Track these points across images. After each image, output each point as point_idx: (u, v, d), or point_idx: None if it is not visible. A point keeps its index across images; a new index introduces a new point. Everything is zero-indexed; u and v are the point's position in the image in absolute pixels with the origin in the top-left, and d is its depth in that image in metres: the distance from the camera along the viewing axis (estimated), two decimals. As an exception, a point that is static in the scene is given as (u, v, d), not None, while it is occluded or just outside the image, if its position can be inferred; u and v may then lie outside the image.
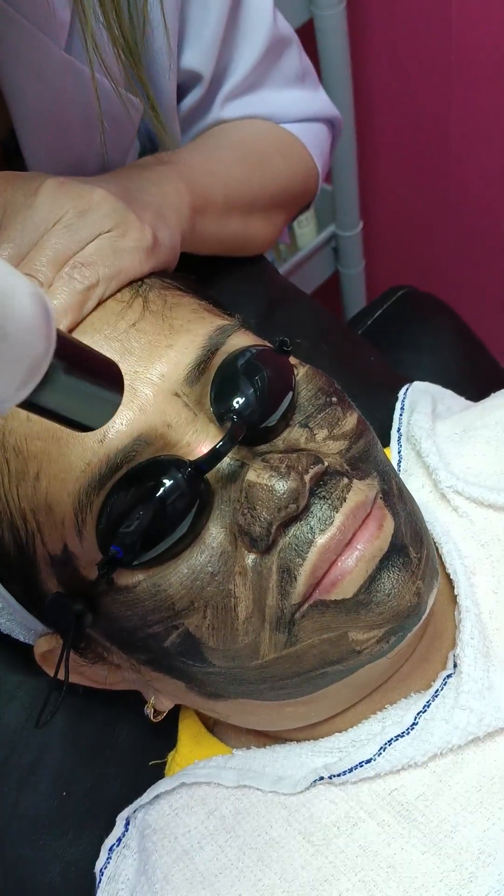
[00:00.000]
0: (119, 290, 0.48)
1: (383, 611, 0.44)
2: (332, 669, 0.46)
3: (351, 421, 0.49)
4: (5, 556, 0.48)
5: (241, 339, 0.49)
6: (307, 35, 1.20)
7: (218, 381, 0.46)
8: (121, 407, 0.43)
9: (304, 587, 0.44)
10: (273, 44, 0.72)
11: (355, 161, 1.34)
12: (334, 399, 0.49)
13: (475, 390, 0.81)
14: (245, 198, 0.66)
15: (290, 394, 0.48)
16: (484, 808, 0.46)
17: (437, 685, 0.49)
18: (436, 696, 0.49)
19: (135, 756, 0.62)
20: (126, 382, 0.43)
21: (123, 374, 0.44)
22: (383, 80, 1.33)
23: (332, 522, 0.44)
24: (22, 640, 0.57)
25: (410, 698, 0.50)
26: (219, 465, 0.44)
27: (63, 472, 0.44)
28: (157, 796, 0.54)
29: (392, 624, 0.45)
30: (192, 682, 0.48)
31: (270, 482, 0.42)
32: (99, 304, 0.47)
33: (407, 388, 0.70)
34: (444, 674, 0.50)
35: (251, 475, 0.43)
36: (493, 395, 0.72)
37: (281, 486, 0.42)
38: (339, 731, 0.51)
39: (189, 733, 0.59)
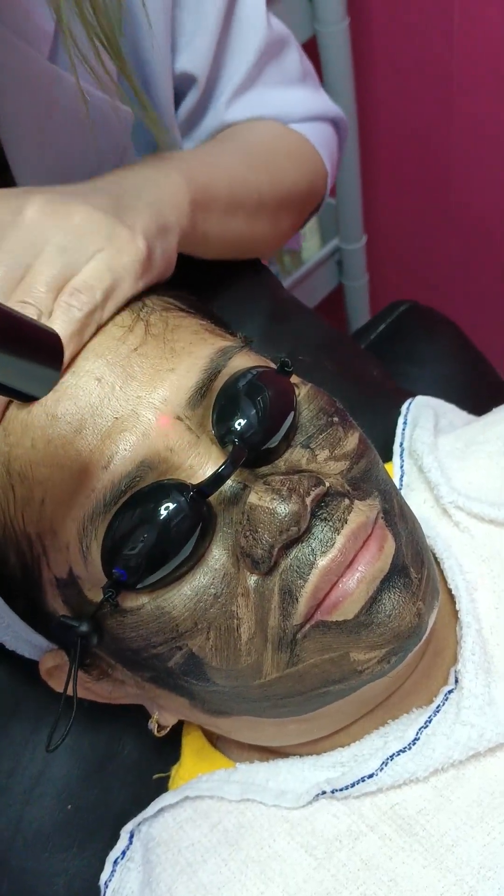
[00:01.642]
0: (118, 311, 0.48)
1: (384, 632, 0.44)
2: (333, 688, 0.46)
3: (352, 441, 0.49)
4: (11, 577, 0.49)
5: (243, 361, 0.49)
6: (311, 51, 1.20)
7: (220, 404, 0.46)
8: (125, 432, 0.44)
9: (305, 608, 0.44)
10: (270, 42, 0.71)
11: (359, 174, 1.34)
12: (335, 419, 0.50)
13: (477, 404, 0.81)
14: (251, 197, 0.65)
15: (292, 414, 0.48)
16: (484, 822, 0.47)
17: (438, 701, 0.49)
18: (437, 711, 0.49)
19: (139, 770, 0.63)
20: (129, 407, 0.44)
21: (126, 399, 0.44)
22: (386, 95, 1.33)
23: (333, 544, 0.44)
24: (27, 656, 0.57)
25: (412, 714, 0.51)
26: (221, 489, 0.44)
27: (68, 498, 0.44)
28: (161, 809, 0.54)
29: (393, 644, 0.45)
30: (195, 700, 0.48)
31: (272, 505, 0.42)
32: (98, 328, 0.47)
33: (410, 403, 0.71)
34: (446, 689, 0.50)
35: (253, 498, 0.43)
36: (495, 409, 0.72)
37: (282, 508, 0.42)
38: (342, 746, 0.51)
39: (192, 747, 0.60)
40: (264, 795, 0.51)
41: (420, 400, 0.71)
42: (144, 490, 0.44)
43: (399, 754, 0.48)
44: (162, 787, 0.61)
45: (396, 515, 0.48)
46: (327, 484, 0.45)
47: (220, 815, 0.52)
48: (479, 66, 1.19)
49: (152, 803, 0.55)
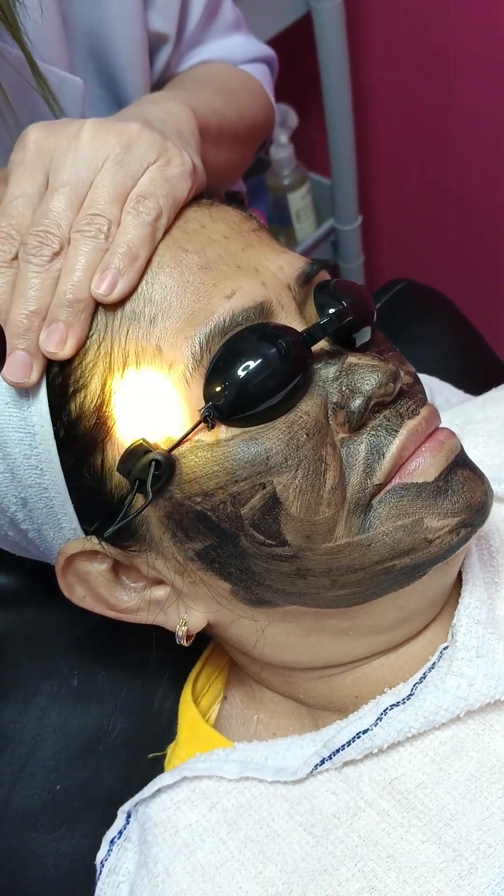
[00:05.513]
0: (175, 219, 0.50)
1: (458, 500, 0.47)
2: (398, 563, 0.47)
3: (411, 367, 0.52)
4: (79, 414, 0.47)
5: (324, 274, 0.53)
6: (305, 28, 1.19)
7: (317, 293, 0.49)
8: (246, 279, 0.48)
9: (390, 464, 0.46)
10: None
11: (354, 155, 1.34)
12: (396, 349, 0.53)
13: (473, 383, 0.81)
14: (229, 127, 0.69)
15: (374, 319, 0.51)
16: (483, 796, 0.46)
17: (434, 658, 0.50)
18: (432, 667, 0.50)
19: (129, 750, 0.62)
20: (250, 264, 0.48)
21: (248, 258, 0.49)
22: (381, 72, 1.32)
23: (418, 413, 0.48)
24: (36, 551, 0.54)
25: (412, 677, 0.51)
26: (322, 346, 0.48)
27: (185, 317, 0.46)
28: (158, 790, 0.54)
29: (465, 515, 0.47)
30: (238, 585, 0.48)
31: (372, 362, 0.47)
32: (165, 233, 0.49)
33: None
34: (443, 646, 0.51)
35: (352, 359, 0.47)
36: (494, 388, 0.72)
37: (382, 365, 0.47)
38: (340, 720, 0.51)
39: (189, 726, 0.59)
40: (264, 773, 0.51)
41: (416, 377, 0.71)
42: (259, 325, 0.46)
43: (392, 708, 0.49)
44: (156, 766, 0.60)
45: None
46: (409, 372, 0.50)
47: (218, 796, 0.52)
48: (476, 45, 1.19)
49: (150, 784, 0.55)
